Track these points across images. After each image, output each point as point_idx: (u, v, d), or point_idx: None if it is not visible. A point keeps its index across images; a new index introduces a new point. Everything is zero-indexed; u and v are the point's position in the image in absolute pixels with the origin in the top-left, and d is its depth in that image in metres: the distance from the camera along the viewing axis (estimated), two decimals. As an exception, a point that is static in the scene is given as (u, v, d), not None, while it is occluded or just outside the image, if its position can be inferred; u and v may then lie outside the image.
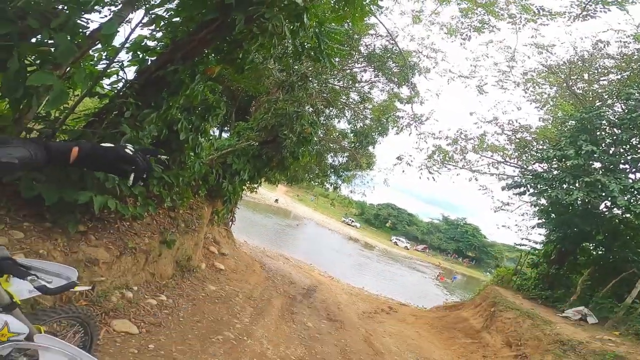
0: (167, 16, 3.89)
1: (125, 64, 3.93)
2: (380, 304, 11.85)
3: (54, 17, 2.64)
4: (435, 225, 71.58)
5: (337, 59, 5.44)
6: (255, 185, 8.95)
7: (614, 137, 9.51)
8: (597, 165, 9.74)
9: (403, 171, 13.39)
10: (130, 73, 3.95)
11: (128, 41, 3.71)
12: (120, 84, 3.83)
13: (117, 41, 3.42)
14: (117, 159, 0.94)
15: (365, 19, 7.35)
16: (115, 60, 3.72)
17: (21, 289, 1.37)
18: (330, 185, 16.15)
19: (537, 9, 9.97)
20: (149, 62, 3.84)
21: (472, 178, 14.05)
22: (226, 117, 9.68)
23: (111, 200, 3.00)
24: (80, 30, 2.95)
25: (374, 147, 14.07)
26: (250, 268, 8.31)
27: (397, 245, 59.01)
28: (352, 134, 13.96)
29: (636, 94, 9.12)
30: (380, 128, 13.11)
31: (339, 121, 14.37)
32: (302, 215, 48.29)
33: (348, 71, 12.05)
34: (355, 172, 15.02)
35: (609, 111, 10.16)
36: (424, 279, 32.57)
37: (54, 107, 2.89)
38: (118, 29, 3.42)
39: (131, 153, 0.96)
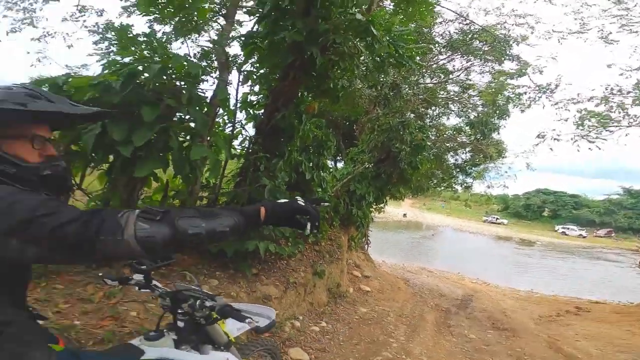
0: (254, 70, 4.33)
1: (244, 122, 4.52)
2: (562, 305, 9.90)
3: (179, 93, 2.96)
4: (614, 201, 56.28)
5: (418, 58, 5.20)
6: (382, 205, 9.05)
7: None
8: None
9: (551, 149, 11.16)
10: (249, 129, 4.52)
11: (238, 101, 4.25)
12: (246, 142, 4.42)
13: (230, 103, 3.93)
14: (294, 211, 1.03)
15: (432, 10, 6.93)
16: (237, 121, 4.31)
17: (231, 328, 1.58)
18: (460, 185, 14.88)
19: None
20: (261, 116, 4.30)
21: (648, 134, 10.69)
22: (336, 147, 10.21)
23: (271, 245, 3.58)
24: (203, 100, 3.31)
25: (498, 133, 12.49)
26: (395, 286, 8.28)
27: (566, 235, 48.56)
28: (467, 127, 12.77)
29: None
30: (498, 111, 11.61)
31: (448, 118, 13.42)
32: (435, 223, 45.39)
33: (435, 66, 11.28)
34: (486, 165, 13.46)
35: None
36: (619, 269, 25.54)
37: (214, 175, 3.43)
38: (229, 93, 3.97)
39: (303, 204, 1.03)
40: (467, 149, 13.25)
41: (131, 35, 3.80)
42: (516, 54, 10.64)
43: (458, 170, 13.92)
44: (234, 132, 4.37)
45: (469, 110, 12.38)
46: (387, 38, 4.00)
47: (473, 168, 13.71)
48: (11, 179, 0.90)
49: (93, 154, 2.75)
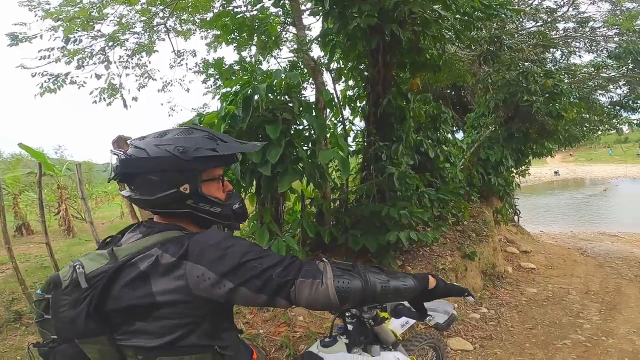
0: (342, 66, 4.31)
1: (350, 118, 4.59)
2: None
3: (289, 106, 3.12)
4: None
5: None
6: (524, 168, 7.82)
7: None
8: None
9: None
10: (357, 123, 4.56)
11: (339, 100, 4.29)
12: (360, 136, 4.44)
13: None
14: (460, 292, 1.16)
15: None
16: (344, 119, 4.37)
17: (396, 326, 1.58)
18: (628, 124, 11.65)
19: None
20: (365, 108, 4.26)
21: None
22: (452, 118, 9.40)
23: (412, 233, 3.49)
24: (312, 106, 3.43)
25: None
26: (568, 259, 7.00)
27: None
28: (609, 60, 9.98)
29: None
30: None
31: (580, 56, 10.99)
32: (604, 176, 36.32)
33: (527, 8, 9.06)
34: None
35: None
36: None
37: (346, 174, 3.50)
38: (331, 93, 4.03)
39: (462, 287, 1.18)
40: (621, 82, 10.61)
41: (226, 65, 4.30)
42: None
43: (619, 107, 11.07)
44: (345, 129, 4.46)
45: (602, 43, 9.68)
46: None
47: (638, 102, 10.59)
48: (216, 217, 1.02)
49: (241, 180, 3.19)
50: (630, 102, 10.99)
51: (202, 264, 0.86)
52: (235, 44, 5.20)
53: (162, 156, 0.94)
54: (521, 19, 8.81)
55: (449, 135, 5.78)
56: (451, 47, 6.76)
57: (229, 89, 3.39)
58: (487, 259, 5.12)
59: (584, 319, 4.10)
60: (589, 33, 9.69)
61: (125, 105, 6.66)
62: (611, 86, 11.08)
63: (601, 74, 10.52)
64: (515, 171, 7.61)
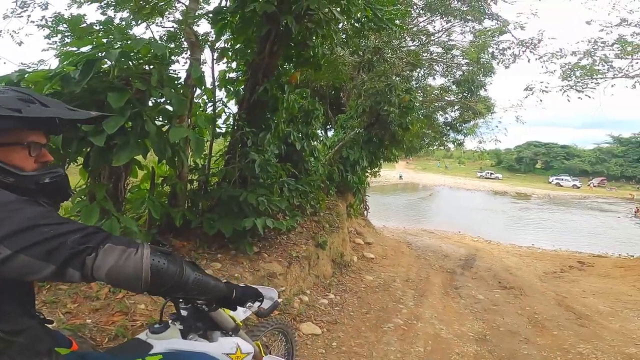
0: (229, 47, 4.18)
1: (225, 100, 4.38)
2: (564, 260, 10.13)
3: (149, 77, 2.85)
4: (605, 150, 57.69)
5: (398, 21, 5.10)
6: (376, 169, 9.00)
7: None
8: None
9: (540, 100, 11.15)
10: (232, 107, 4.38)
11: (216, 80, 4.11)
12: (231, 120, 4.28)
13: (207, 83, 3.80)
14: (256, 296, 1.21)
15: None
16: (217, 100, 4.15)
17: (238, 312, 1.56)
18: (452, 143, 14.94)
19: None
20: (241, 92, 4.19)
21: (634, 84, 10.64)
22: (324, 115, 10.10)
23: (268, 220, 3.49)
24: (175, 81, 3.18)
25: (485, 90, 12.61)
26: (398, 251, 8.29)
27: (560, 186, 49.82)
28: (454, 86, 12.74)
29: None
30: (483, 69, 11.61)
31: (434, 78, 13.38)
32: (432, 183, 45.83)
33: (415, 29, 11.01)
34: (475, 121, 13.51)
35: None
36: (617, 219, 26.12)
37: (198, 154, 3.31)
38: (202, 71, 3.78)
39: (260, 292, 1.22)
40: (456, 107, 13.47)
41: (85, 24, 3.52)
42: (495, 13, 10.59)
43: (449, 128, 14.13)
44: (217, 111, 4.19)
45: (454, 70, 12.40)
46: (362, 1, 3.83)
47: (463, 125, 13.85)
48: (9, 188, 0.84)
49: (64, 150, 2.58)
50: (458, 124, 13.97)
51: None
52: (105, 3, 4.22)
53: None
54: (404, 37, 10.12)
55: (319, 131, 6.09)
56: (340, 51, 7.18)
57: (74, 48, 2.79)
58: (337, 248, 5.63)
59: (403, 304, 4.80)
60: (449, 59, 11.82)
61: None
62: (449, 109, 13.71)
63: (445, 97, 13.07)
64: (369, 171, 8.61)
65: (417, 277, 6.33)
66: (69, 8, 5.24)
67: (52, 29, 4.89)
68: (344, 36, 4.60)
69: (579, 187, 49.05)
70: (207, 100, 4.20)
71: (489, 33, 10.90)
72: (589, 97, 10.19)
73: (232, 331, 1.41)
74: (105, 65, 2.75)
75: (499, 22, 10.65)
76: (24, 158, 0.90)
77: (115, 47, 2.74)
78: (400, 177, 46.66)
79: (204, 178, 3.85)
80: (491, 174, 56.73)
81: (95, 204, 2.72)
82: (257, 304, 1.15)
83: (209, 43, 4.02)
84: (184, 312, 1.33)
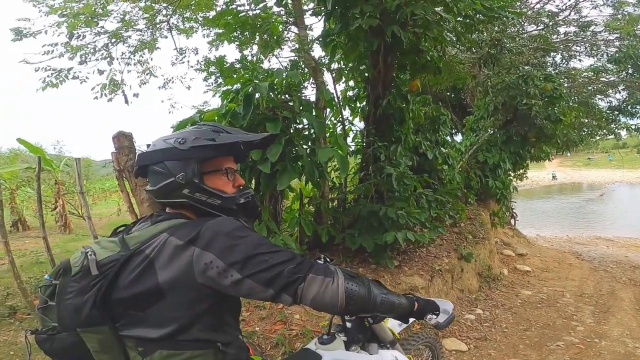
0: (343, 66, 4.32)
1: (350, 118, 4.60)
2: None
3: (289, 105, 3.15)
4: None
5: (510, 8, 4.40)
6: (522, 171, 7.86)
7: None
8: None
9: None
10: (356, 124, 4.57)
11: (339, 100, 4.32)
12: (359, 136, 4.43)
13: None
14: (435, 309, 1.19)
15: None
16: (344, 119, 4.40)
17: (394, 324, 1.57)
18: (626, 129, 11.73)
19: None
20: (365, 108, 4.27)
21: None
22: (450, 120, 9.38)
23: (409, 233, 3.50)
24: (312, 105, 3.48)
25: None
26: (563, 262, 7.04)
27: None
28: (610, 64, 10.05)
29: None
30: None
31: (580, 60, 11.11)
32: (601, 181, 36.48)
33: (528, 12, 9.11)
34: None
35: None
36: None
37: (344, 173, 3.52)
38: (331, 93, 4.00)
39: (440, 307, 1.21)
40: (621, 87, 10.66)
41: (227, 64, 4.28)
42: None
43: (617, 112, 11.10)
44: (345, 129, 4.48)
45: (602, 47, 9.77)
46: None
47: (638, 107, 10.66)
48: (216, 209, 0.99)
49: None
50: (629, 107, 11.03)
51: (212, 251, 0.84)
52: (237, 43, 5.21)
53: (164, 147, 0.98)
54: (522, 23, 8.89)
55: (448, 138, 5.79)
56: (452, 50, 6.79)
57: (229, 87, 3.39)
58: (483, 261, 5.15)
59: (577, 321, 4.14)
60: (589, 37, 9.78)
61: (126, 101, 6.71)
62: (610, 91, 11.14)
63: (601, 79, 10.57)
64: (513, 174, 7.64)
65: (595, 292, 5.31)
66: (210, 51, 6.57)
67: (205, 71, 6.25)
68: (453, 34, 4.30)
69: None
70: (335, 121, 4.52)
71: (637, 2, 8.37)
72: None
73: (389, 344, 1.44)
74: (255, 98, 3.11)
75: None
76: (224, 183, 1.02)
77: (261, 80, 3.14)
78: (554, 177, 38.87)
79: (342, 196, 4.14)
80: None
81: (262, 224, 3.28)
82: (434, 317, 1.16)
83: (325, 66, 4.31)
84: (348, 324, 1.43)
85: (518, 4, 8.64)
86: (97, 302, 0.83)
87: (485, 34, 6.83)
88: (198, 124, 1.07)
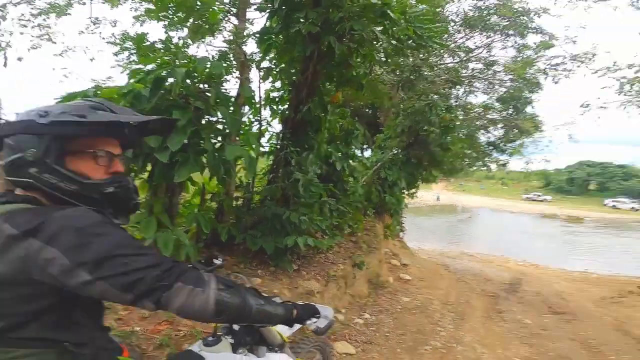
0: (273, 66, 4.30)
1: (269, 119, 4.51)
2: (623, 285, 9.26)
3: (205, 95, 2.96)
4: (667, 168, 52.28)
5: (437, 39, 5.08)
6: (414, 191, 8.86)
7: None
8: None
9: (599, 117, 10.62)
10: (275, 125, 4.51)
11: (261, 99, 4.27)
12: (274, 139, 4.40)
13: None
14: (313, 312, 1.20)
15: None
16: (262, 118, 4.33)
17: (283, 328, 1.56)
18: (495, 163, 14.33)
19: None
20: (285, 111, 4.28)
21: None
22: (363, 135, 10.03)
23: (310, 239, 3.58)
24: (230, 100, 3.29)
25: (532, 107, 12.12)
26: (435, 273, 8.10)
27: (617, 208, 45.60)
28: (497, 103, 12.26)
29: None
30: (529, 85, 11.11)
31: (475, 96, 12.93)
32: (471, 205, 43.81)
33: (452, 45, 10.80)
34: (522, 140, 12.88)
35: None
36: None
37: (251, 173, 3.41)
38: (253, 90, 3.90)
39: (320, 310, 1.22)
40: (500, 126, 12.93)
41: (148, 42, 3.85)
42: (539, 27, 10.09)
43: (492, 147, 13.49)
44: (261, 129, 4.38)
45: (497, 86, 11.95)
46: (404, 20, 3.83)
47: (508, 145, 13.19)
48: (71, 196, 0.86)
49: (133, 164, 2.83)
50: (502, 144, 13.38)
51: (56, 246, 0.74)
52: (165, 22, 4.69)
53: (23, 120, 0.86)
54: (443, 54, 10.07)
55: (358, 152, 6.15)
56: (378, 69, 7.20)
57: (141, 66, 3.06)
58: (373, 268, 5.58)
59: (441, 327, 4.70)
60: (490, 75, 11.44)
61: (5, 64, 5.73)
62: (491, 127, 13.20)
63: (487, 115, 12.60)
64: (406, 192, 8.48)
65: (456, 300, 6.15)
66: (133, 26, 5.86)
67: (119, 46, 5.49)
68: (383, 55, 4.64)
69: (638, 210, 44.53)
70: (252, 119, 4.37)
71: (537, 48, 10.49)
72: (659, 112, 9.48)
73: (278, 347, 1.44)
74: (167, 84, 2.89)
75: (544, 36, 10.21)
76: (93, 168, 0.89)
77: (179, 66, 2.89)
78: (438, 198, 45.09)
79: (248, 195, 4.03)
80: (539, 195, 53.32)
81: (153, 216, 2.96)
82: (314, 321, 1.17)
83: (255, 62, 4.18)
84: (235, 327, 1.39)
85: (445, 36, 9.86)
86: None
87: (410, 59, 7.37)
88: (81, 99, 0.97)
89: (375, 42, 3.87)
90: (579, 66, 10.15)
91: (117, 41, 5.94)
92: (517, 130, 12.11)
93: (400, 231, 9.89)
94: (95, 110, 0.89)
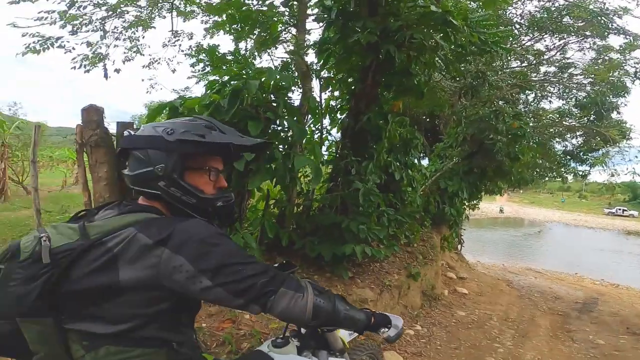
0: (333, 76, 4.36)
1: (328, 128, 4.62)
2: None
3: (273, 106, 3.07)
4: None
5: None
6: (476, 202, 8.44)
7: None
8: None
9: None
10: (334, 134, 4.61)
11: (322, 108, 4.35)
12: (333, 147, 4.50)
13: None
14: (388, 323, 1.23)
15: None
16: (323, 127, 4.44)
17: (344, 334, 1.61)
18: (573, 174, 12.88)
19: None
20: (346, 120, 4.31)
21: None
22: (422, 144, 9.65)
23: (367, 248, 3.66)
24: (296, 110, 3.39)
25: (618, 113, 10.67)
26: (496, 288, 7.63)
27: None
28: (576, 109, 11.03)
29: None
30: (614, 88, 9.87)
31: (550, 102, 11.81)
32: (541, 219, 39.88)
33: (519, 49, 9.88)
34: (606, 150, 11.40)
35: None
36: None
37: (316, 182, 3.44)
38: (317, 101, 4.01)
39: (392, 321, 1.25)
40: (578, 133, 11.55)
41: (219, 54, 4.17)
42: (621, 27, 8.90)
43: (569, 157, 12.13)
44: (322, 138, 4.53)
45: (574, 91, 10.70)
46: (466, 27, 3.68)
47: (590, 154, 11.77)
48: (190, 208, 0.95)
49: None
50: (582, 153, 11.88)
51: (183, 255, 0.82)
52: (233, 35, 5.13)
53: (151, 135, 0.94)
54: (509, 58, 9.44)
55: (416, 161, 6.05)
56: (437, 76, 6.96)
57: (216, 78, 3.28)
58: (428, 280, 5.46)
59: (499, 344, 4.49)
60: (566, 79, 10.40)
61: (105, 76, 6.41)
62: (569, 135, 11.95)
63: (563, 122, 11.29)
64: (467, 204, 8.05)
65: (518, 317, 5.80)
66: (204, 38, 6.47)
67: (196, 57, 6.09)
68: (443, 62, 4.52)
69: None
70: (313, 128, 4.52)
71: (622, 50, 9.35)
72: None
73: (339, 352, 1.49)
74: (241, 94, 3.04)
75: (627, 37, 9.07)
76: (205, 182, 0.98)
77: (251, 77, 3.03)
78: (501, 210, 41.82)
79: (308, 203, 4.21)
80: (624, 210, 46.77)
81: (226, 220, 3.25)
82: (386, 330, 1.22)
83: (315, 72, 4.32)
84: (303, 330, 1.48)
85: (511, 39, 9.28)
86: (43, 293, 0.78)
87: (472, 65, 7.04)
88: (194, 116, 1.04)
89: (436, 50, 3.79)
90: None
91: (193, 53, 6.63)
92: (599, 139, 10.78)
93: (458, 243, 9.47)
94: (210, 130, 0.97)
